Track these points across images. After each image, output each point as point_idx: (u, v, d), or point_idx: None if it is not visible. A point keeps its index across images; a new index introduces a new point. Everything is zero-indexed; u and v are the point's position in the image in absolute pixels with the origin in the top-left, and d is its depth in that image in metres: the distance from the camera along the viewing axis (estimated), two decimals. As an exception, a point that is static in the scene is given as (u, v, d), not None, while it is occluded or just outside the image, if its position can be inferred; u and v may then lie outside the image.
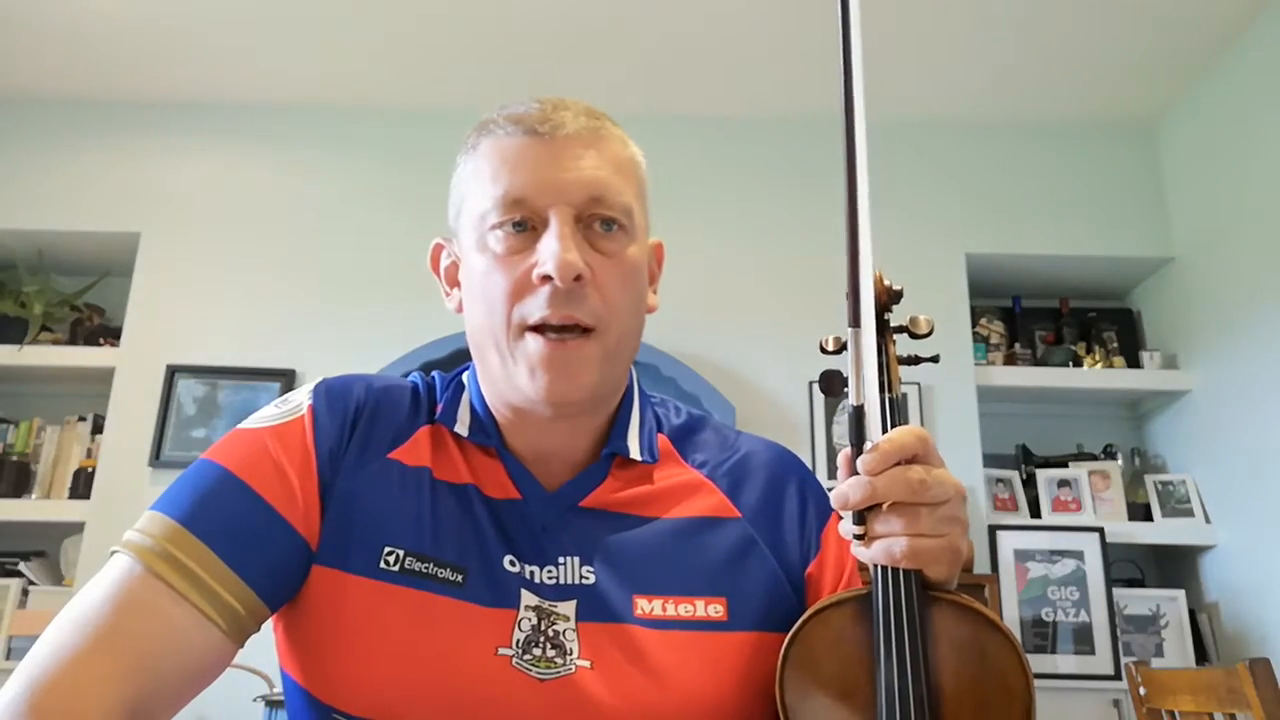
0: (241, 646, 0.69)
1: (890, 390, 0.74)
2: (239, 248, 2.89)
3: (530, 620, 0.71)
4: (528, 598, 0.72)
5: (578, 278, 0.70)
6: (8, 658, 2.55)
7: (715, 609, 0.74)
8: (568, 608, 0.72)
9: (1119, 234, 2.93)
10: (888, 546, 0.64)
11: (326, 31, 2.71)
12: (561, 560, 0.74)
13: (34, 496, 2.75)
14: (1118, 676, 2.44)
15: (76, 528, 2.66)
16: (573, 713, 0.68)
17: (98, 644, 0.62)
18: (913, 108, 2.96)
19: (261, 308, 2.84)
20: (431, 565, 0.72)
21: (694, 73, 2.85)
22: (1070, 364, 2.89)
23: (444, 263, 0.83)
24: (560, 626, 0.71)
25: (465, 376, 0.83)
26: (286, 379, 2.76)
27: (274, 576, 0.69)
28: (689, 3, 2.56)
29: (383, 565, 0.71)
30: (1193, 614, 2.62)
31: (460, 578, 0.71)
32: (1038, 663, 2.46)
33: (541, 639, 0.70)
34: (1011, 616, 2.53)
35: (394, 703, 0.67)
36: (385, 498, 0.73)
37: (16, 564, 2.66)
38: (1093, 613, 2.53)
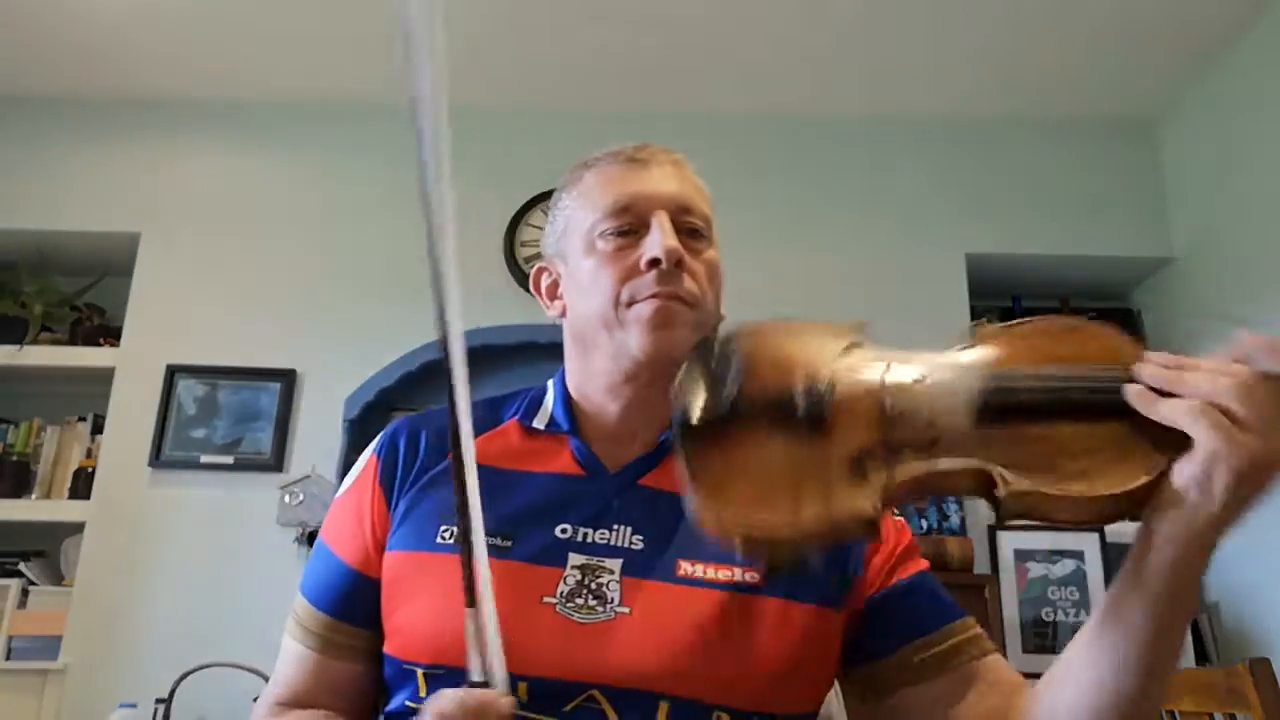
0: (368, 662, 0.86)
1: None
2: (239, 248, 2.89)
3: (575, 576, 0.80)
4: (575, 559, 0.81)
5: (679, 262, 0.83)
6: (8, 658, 2.55)
7: (752, 576, 0.81)
8: (614, 564, 0.81)
9: (1119, 234, 2.93)
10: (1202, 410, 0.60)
11: (327, 31, 2.72)
12: (615, 528, 0.83)
13: (34, 496, 2.75)
14: (1118, 676, 2.43)
15: (76, 528, 2.66)
16: (609, 653, 0.75)
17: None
18: (913, 107, 2.96)
19: (261, 308, 2.84)
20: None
21: (697, 72, 2.85)
22: (1070, 364, 2.89)
23: (544, 283, 0.97)
24: (604, 579, 0.79)
25: (550, 382, 0.95)
26: (286, 379, 2.76)
27: (348, 607, 0.87)
28: (666, 2, 2.56)
29: (438, 540, 0.82)
30: (1193, 614, 2.63)
31: (509, 544, 0.81)
32: (1038, 663, 2.45)
33: (584, 591, 0.79)
34: (1012, 616, 2.53)
35: (447, 649, 0.75)
36: (447, 490, 0.81)
37: (16, 564, 2.66)
38: (1093, 613, 2.53)
